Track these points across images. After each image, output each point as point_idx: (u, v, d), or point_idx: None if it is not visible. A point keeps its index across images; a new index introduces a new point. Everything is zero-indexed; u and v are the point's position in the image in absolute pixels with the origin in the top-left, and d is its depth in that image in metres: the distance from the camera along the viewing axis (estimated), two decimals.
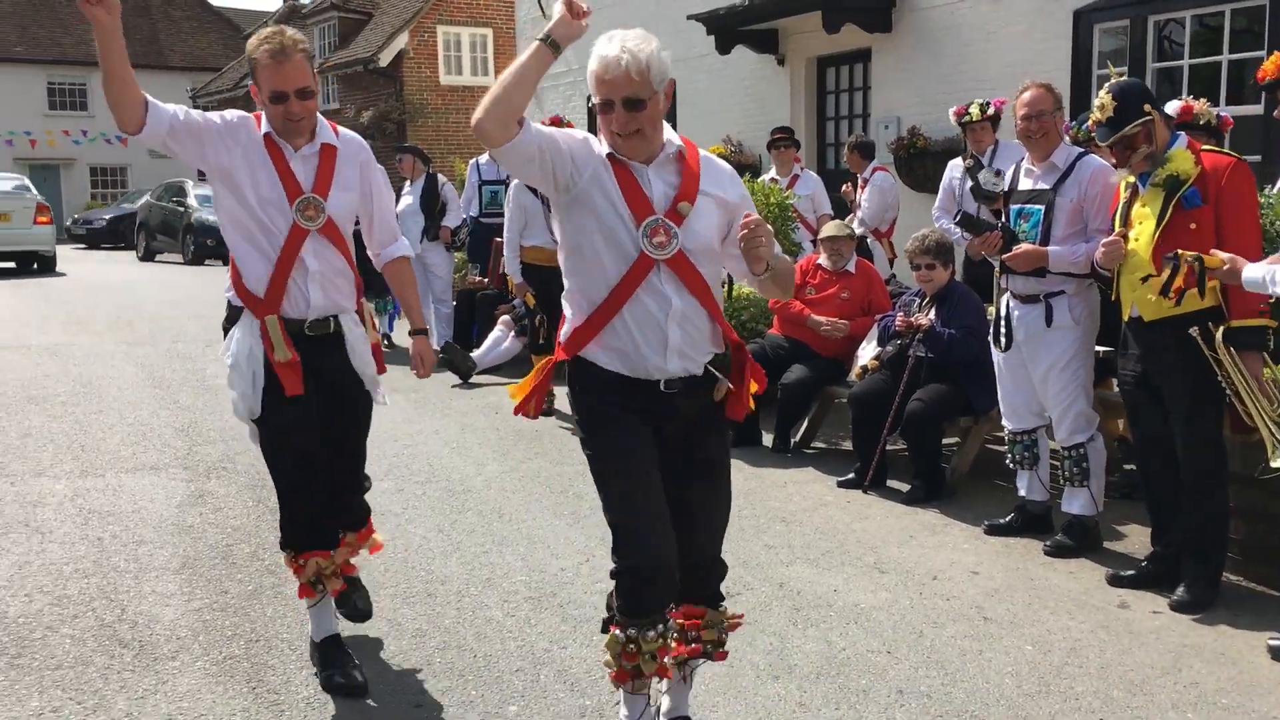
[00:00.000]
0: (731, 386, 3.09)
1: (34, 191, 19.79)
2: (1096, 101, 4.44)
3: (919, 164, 10.67)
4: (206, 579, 4.62)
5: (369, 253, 3.92)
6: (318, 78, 3.61)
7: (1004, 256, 4.96)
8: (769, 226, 2.91)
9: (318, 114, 3.60)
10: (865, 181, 9.04)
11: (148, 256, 23.18)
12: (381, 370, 3.82)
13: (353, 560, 3.91)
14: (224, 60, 37.16)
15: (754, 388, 3.19)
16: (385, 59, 25.10)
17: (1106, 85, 4.41)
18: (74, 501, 5.64)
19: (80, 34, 38.13)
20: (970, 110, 7.13)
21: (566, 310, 3.09)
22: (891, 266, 8.97)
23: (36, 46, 37.30)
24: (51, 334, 11.09)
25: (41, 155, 37.29)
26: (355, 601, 3.97)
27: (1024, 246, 4.89)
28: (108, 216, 29.34)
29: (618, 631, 3.03)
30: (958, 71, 10.53)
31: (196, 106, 36.00)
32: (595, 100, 2.88)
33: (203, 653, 3.91)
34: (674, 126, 3.20)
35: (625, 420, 3.00)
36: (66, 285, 15.75)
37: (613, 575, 3.04)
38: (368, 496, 4.12)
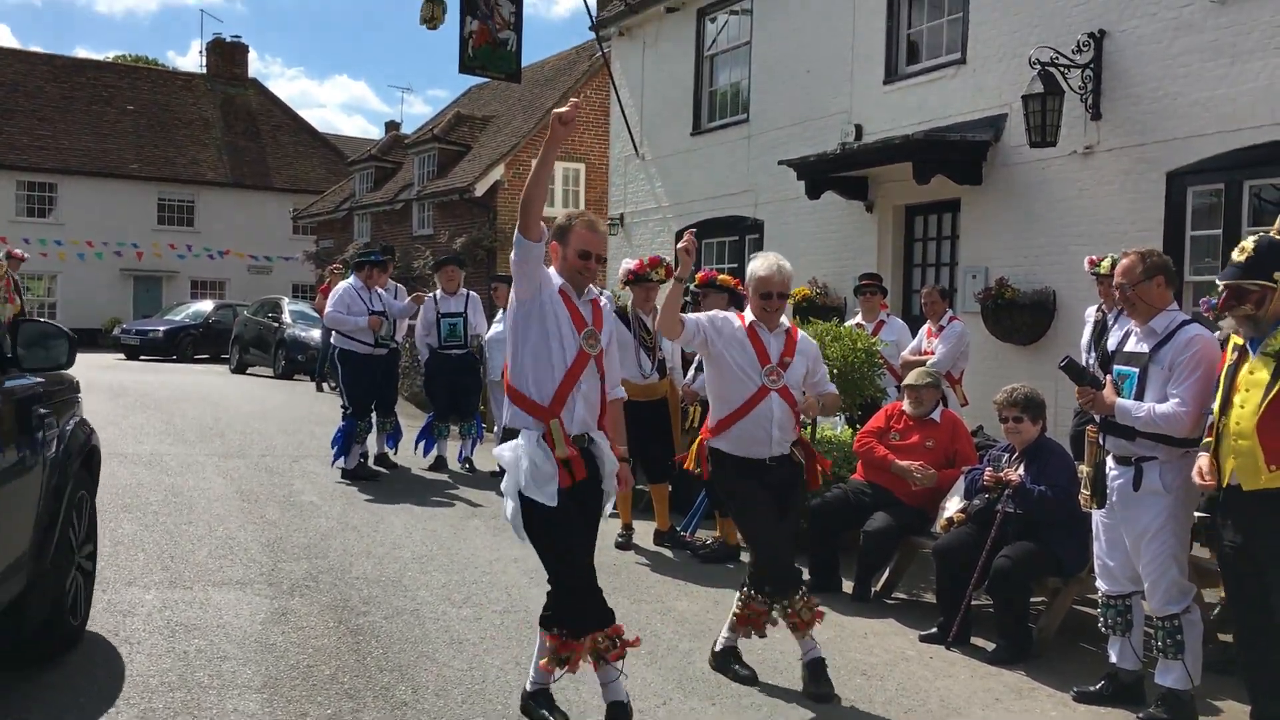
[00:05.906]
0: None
1: None
2: (1240, 244, 4.52)
3: (1006, 315, 10.67)
4: (287, 699, 4.65)
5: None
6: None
7: (1078, 397, 5.01)
8: (815, 403, 5.33)
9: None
10: (941, 328, 9.22)
11: (240, 369, 23.79)
12: None
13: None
14: (326, 184, 38.57)
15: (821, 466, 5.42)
16: (480, 189, 25.97)
17: (1260, 235, 4.47)
18: (162, 613, 5.75)
19: (192, 155, 40.06)
20: (1101, 263, 7.16)
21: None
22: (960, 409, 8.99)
23: (150, 165, 39.20)
24: (146, 443, 11.40)
25: (147, 267, 38.83)
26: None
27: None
28: (163, 329, 28.40)
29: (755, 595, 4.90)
30: (1047, 225, 10.60)
31: (297, 227, 36.86)
32: (756, 293, 5.17)
33: None
34: None
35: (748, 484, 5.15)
36: (163, 394, 16.21)
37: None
38: None
